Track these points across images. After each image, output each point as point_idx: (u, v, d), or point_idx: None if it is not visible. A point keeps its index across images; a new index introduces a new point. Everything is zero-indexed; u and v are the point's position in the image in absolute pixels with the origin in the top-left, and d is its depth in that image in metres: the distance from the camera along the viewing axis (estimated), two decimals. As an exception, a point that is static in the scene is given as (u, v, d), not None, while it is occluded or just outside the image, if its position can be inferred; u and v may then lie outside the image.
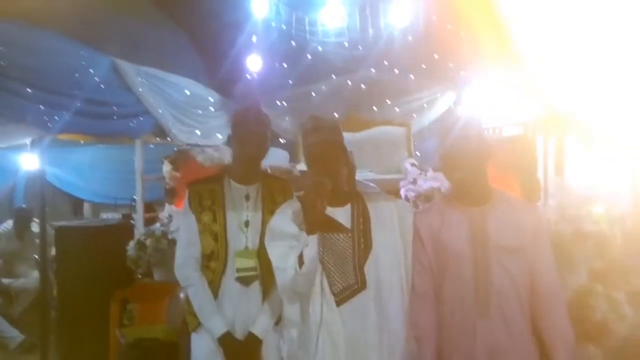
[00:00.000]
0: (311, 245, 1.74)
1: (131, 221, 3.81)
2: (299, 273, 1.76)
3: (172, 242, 3.20)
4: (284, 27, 6.48)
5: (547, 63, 4.39)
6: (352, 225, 1.85)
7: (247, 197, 2.05)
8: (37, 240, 5.17)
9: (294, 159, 6.29)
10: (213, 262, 2.00)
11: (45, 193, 5.47)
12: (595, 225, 3.02)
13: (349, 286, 1.80)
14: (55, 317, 3.89)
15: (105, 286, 3.22)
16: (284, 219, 1.87)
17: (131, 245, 3.24)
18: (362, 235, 1.84)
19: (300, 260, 1.75)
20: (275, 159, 6.49)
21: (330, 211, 1.82)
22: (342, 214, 1.86)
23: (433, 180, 3.37)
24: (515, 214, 1.71)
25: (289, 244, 1.81)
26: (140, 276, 3.39)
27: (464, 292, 1.70)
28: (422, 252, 1.78)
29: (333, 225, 1.83)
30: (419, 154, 6.16)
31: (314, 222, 1.75)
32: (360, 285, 1.80)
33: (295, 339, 1.89)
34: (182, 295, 2.95)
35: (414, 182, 3.63)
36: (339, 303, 1.80)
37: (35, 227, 5.38)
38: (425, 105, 6.39)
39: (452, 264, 1.73)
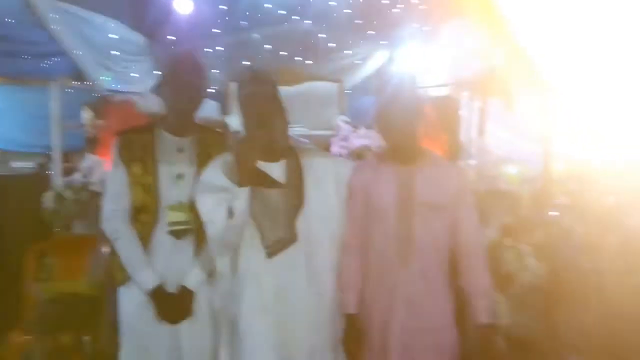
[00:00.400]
0: (242, 198, 1.74)
1: (47, 171, 3.55)
2: (229, 225, 1.76)
3: (94, 194, 3.06)
4: (216, -32, 6.16)
5: (475, 26, 4.53)
6: (286, 181, 1.86)
7: (181, 150, 1.97)
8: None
9: (225, 110, 6.13)
10: (143, 215, 1.92)
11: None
12: (508, 185, 3.25)
13: (280, 239, 1.83)
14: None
15: (19, 240, 3.03)
16: (215, 172, 1.84)
17: (48, 196, 3.05)
18: (295, 190, 1.86)
19: (230, 213, 1.75)
20: (206, 110, 6.31)
21: (265, 166, 1.82)
22: (276, 169, 1.87)
23: (365, 138, 3.44)
24: (442, 174, 1.81)
25: (219, 196, 1.79)
26: (58, 229, 3.22)
27: (387, 245, 1.79)
28: (353, 205, 1.85)
29: (266, 180, 1.83)
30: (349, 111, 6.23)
31: (246, 174, 1.74)
32: (291, 238, 1.83)
33: (226, 291, 1.91)
34: (105, 249, 2.87)
35: (346, 139, 3.68)
36: (269, 255, 1.83)
37: None
38: (358, 62, 6.41)
39: (379, 217, 1.81)
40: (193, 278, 1.99)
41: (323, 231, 1.88)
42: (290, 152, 1.91)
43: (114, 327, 2.79)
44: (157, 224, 1.94)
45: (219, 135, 2.17)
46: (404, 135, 1.77)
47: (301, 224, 1.84)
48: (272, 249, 1.83)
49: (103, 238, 2.99)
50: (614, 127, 4.20)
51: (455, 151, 3.54)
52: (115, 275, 2.01)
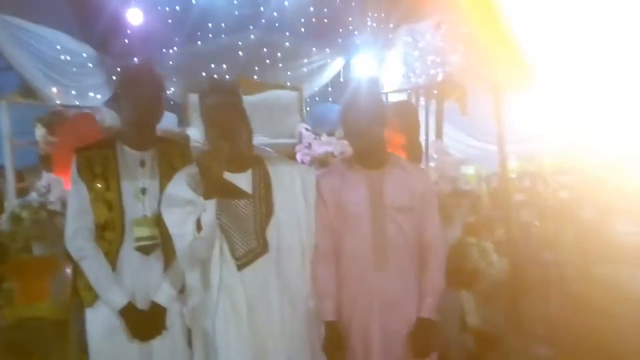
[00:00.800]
0: (209, 210, 1.69)
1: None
2: (197, 238, 1.72)
3: (53, 214, 2.94)
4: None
5: (430, 33, 4.68)
6: (254, 191, 1.85)
7: (143, 164, 1.91)
8: None
9: (182, 122, 6.04)
10: (108, 232, 1.88)
11: None
12: (468, 185, 3.36)
13: (250, 250, 1.79)
14: None
15: (-27, 265, 2.88)
16: (180, 185, 1.77)
17: (3, 218, 2.90)
18: (263, 200, 1.82)
19: (198, 226, 1.72)
20: (163, 122, 6.18)
21: (231, 177, 1.80)
22: (243, 180, 1.84)
23: (327, 145, 3.48)
24: (408, 177, 1.84)
25: (185, 209, 1.75)
26: (15, 252, 3.07)
27: (362, 249, 1.81)
28: (324, 213, 1.86)
29: (233, 191, 1.81)
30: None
31: (212, 186, 1.70)
32: (262, 249, 1.79)
33: (197, 305, 1.88)
34: (67, 269, 2.77)
35: (309, 146, 3.71)
36: (240, 267, 1.80)
37: None
38: (315, 69, 6.49)
39: (352, 223, 1.83)
40: (163, 294, 1.94)
41: (293, 240, 1.87)
42: (255, 162, 1.90)
43: (81, 350, 2.70)
44: (123, 241, 1.88)
45: (180, 146, 2.11)
46: (370, 139, 1.79)
47: (271, 233, 1.84)
48: (243, 261, 1.80)
49: (65, 258, 2.89)
50: (566, 124, 4.43)
51: (415, 154, 3.62)
52: (82, 295, 1.92)
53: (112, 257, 1.88)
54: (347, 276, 1.84)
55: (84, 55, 5.62)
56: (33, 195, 2.96)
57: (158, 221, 1.88)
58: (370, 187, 1.82)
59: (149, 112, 1.90)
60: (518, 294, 3.79)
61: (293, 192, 1.88)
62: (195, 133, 5.43)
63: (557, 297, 3.87)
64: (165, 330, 1.93)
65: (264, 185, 1.86)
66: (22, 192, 3.38)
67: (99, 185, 1.86)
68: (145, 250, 1.90)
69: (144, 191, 1.91)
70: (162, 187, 1.89)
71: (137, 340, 1.89)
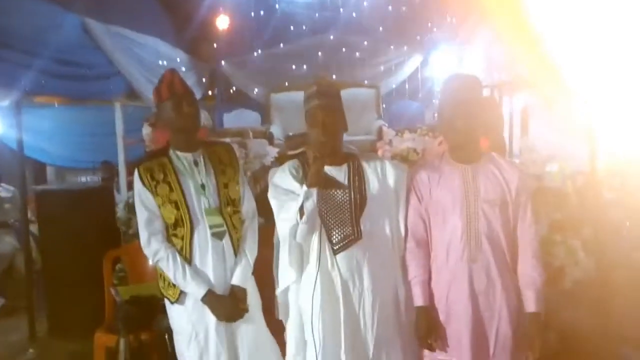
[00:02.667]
0: (311, 198, 1.85)
1: (113, 184, 3.80)
2: (301, 223, 1.90)
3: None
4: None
5: (514, 28, 4.59)
6: (349, 183, 1.99)
7: (196, 163, 2.12)
8: (6, 205, 5.08)
9: (265, 120, 6.35)
10: (179, 229, 2.07)
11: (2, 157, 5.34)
12: (554, 182, 3.31)
13: (346, 236, 1.93)
14: (38, 280, 3.92)
15: (91, 248, 3.25)
16: (285, 175, 1.99)
17: (120, 207, 3.27)
18: (357, 191, 1.97)
19: (301, 212, 1.87)
20: (247, 120, 6.53)
21: (329, 170, 1.97)
22: (340, 173, 1.98)
23: (409, 141, 3.56)
24: (502, 172, 1.89)
25: (289, 197, 1.94)
26: (128, 237, 3.45)
27: (454, 241, 1.87)
28: (418, 204, 1.95)
29: (332, 182, 1.95)
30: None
31: (315, 177, 1.89)
32: (356, 235, 1.93)
33: (291, 288, 2.06)
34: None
35: (390, 143, 3.81)
36: (336, 252, 1.95)
37: (1, 192, 5.26)
38: (393, 67, 6.55)
39: (445, 216, 1.90)
40: (240, 275, 2.13)
41: (384, 229, 2.00)
42: (351, 157, 2.07)
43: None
44: (194, 234, 2.07)
45: (223, 144, 2.35)
46: (467, 134, 1.85)
47: (364, 222, 1.97)
48: (339, 246, 1.96)
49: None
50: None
51: (499, 150, 3.60)
52: (167, 294, 2.14)
53: (186, 250, 2.08)
54: (440, 265, 1.93)
55: (178, 59, 6.06)
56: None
57: (222, 211, 2.11)
58: (464, 180, 1.90)
59: (193, 117, 2.07)
60: (606, 295, 3.67)
61: (385, 186, 2.02)
62: (277, 130, 5.71)
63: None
64: (247, 311, 2.12)
65: (358, 179, 2.02)
66: (131, 185, 3.78)
67: (163, 189, 2.06)
68: (219, 236, 2.11)
69: (203, 186, 2.11)
70: (217, 180, 2.13)
71: (222, 325, 2.08)
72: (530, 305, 1.88)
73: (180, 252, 2.07)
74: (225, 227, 2.11)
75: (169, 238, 2.09)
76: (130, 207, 3.26)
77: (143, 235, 2.09)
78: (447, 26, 6.02)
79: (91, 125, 5.59)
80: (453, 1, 6.03)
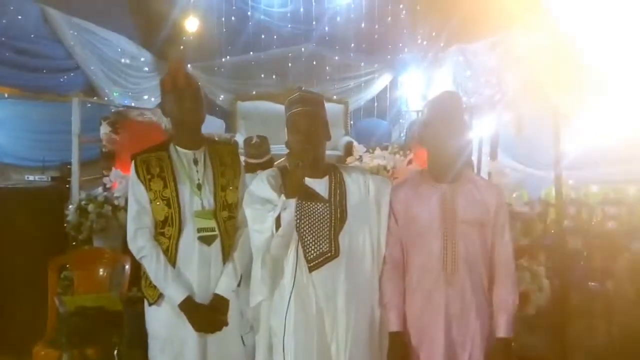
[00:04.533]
0: (289, 209, 1.74)
1: (65, 185, 3.54)
2: (276, 235, 1.78)
3: (116, 208, 3.06)
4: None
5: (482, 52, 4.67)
6: (329, 196, 1.89)
7: (196, 162, 2.02)
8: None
9: (229, 128, 6.19)
10: (168, 228, 1.95)
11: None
12: (523, 207, 3.33)
13: (322, 253, 1.83)
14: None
15: (38, 252, 2.98)
16: (263, 183, 1.87)
17: (71, 210, 3.04)
18: (338, 206, 1.86)
19: (277, 224, 1.78)
20: (211, 127, 6.34)
21: (310, 182, 1.86)
22: (320, 185, 1.87)
23: (380, 159, 3.51)
24: (481, 192, 1.84)
25: (266, 207, 1.82)
26: (74, 242, 3.20)
27: (431, 262, 1.81)
28: (394, 225, 1.87)
29: (312, 195, 1.87)
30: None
31: (294, 186, 1.78)
32: (334, 253, 1.83)
33: (264, 303, 1.93)
34: (126, 264, 2.86)
35: (360, 159, 3.76)
36: (312, 269, 1.83)
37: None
38: (362, 84, 6.56)
39: (422, 236, 1.83)
40: (225, 285, 1.99)
41: (363, 247, 1.90)
42: (332, 168, 1.97)
43: (130, 343, 2.78)
44: (182, 235, 1.95)
45: (227, 145, 2.27)
46: (451, 154, 1.80)
47: (343, 239, 1.88)
48: (315, 263, 1.85)
49: (124, 252, 2.99)
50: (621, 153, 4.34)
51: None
52: (147, 294, 2.00)
53: (172, 252, 1.95)
54: (415, 288, 1.86)
55: (142, 59, 5.84)
56: (99, 190, 3.09)
57: (215, 214, 1.97)
58: (442, 200, 1.84)
59: (193, 112, 2.00)
60: (564, 322, 3.71)
61: (366, 201, 1.93)
62: (242, 140, 5.58)
63: (603, 327, 3.76)
64: (227, 324, 1.97)
65: (339, 192, 1.91)
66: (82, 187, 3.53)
67: (157, 184, 1.95)
68: (206, 241, 1.97)
69: (199, 187, 1.99)
70: (215, 182, 2.01)
71: (197, 335, 1.92)
72: (501, 330, 1.81)
73: (165, 252, 1.94)
74: (217, 232, 1.97)
75: (156, 236, 1.96)
76: (82, 211, 3.03)
77: (130, 229, 1.98)
78: (418, 47, 6.08)
79: (43, 122, 5.24)
80: (425, 23, 6.12)
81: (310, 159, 1.78)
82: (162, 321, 1.98)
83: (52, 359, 2.47)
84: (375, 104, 6.71)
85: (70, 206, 3.15)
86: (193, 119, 2.01)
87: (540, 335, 3.74)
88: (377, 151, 3.60)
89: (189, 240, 1.95)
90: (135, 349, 2.58)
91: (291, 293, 1.82)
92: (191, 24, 6.10)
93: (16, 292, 3.12)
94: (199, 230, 1.96)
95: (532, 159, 6.14)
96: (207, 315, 1.95)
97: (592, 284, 4.02)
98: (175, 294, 1.92)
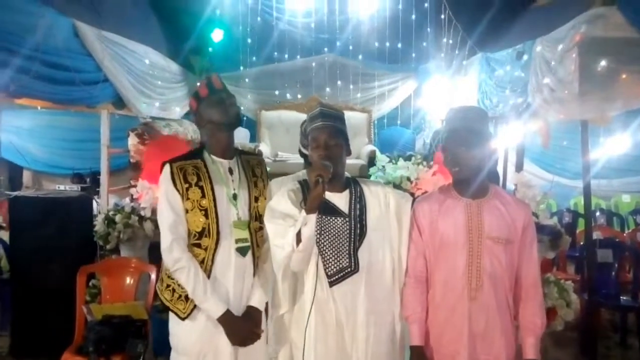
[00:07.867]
0: (309, 224, 1.74)
1: (92, 195, 3.63)
2: (296, 250, 1.78)
3: (142, 219, 3.12)
4: (249, 1, 6.38)
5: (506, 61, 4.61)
6: (349, 211, 1.89)
7: (231, 171, 1.99)
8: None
9: (254, 137, 6.24)
10: (205, 239, 1.92)
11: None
12: (550, 220, 3.26)
13: (342, 269, 1.83)
14: (3, 291, 3.69)
15: (68, 261, 3.08)
16: (284, 198, 1.87)
17: (99, 219, 3.11)
18: (358, 220, 1.87)
19: (298, 239, 1.79)
20: (237, 136, 6.40)
21: (330, 196, 1.84)
22: (340, 199, 1.88)
23: (403, 169, 3.49)
24: (508, 209, 1.82)
25: (287, 222, 1.82)
26: (104, 252, 3.27)
27: (456, 277, 1.80)
28: (418, 238, 1.87)
29: (332, 209, 1.85)
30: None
31: (315, 202, 1.77)
32: (353, 268, 1.83)
33: (284, 317, 1.93)
34: (152, 275, 2.91)
35: (383, 169, 3.73)
36: (332, 284, 1.84)
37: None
38: (386, 93, 6.54)
39: (447, 251, 1.80)
40: (259, 298, 1.99)
41: (383, 262, 1.90)
42: (352, 183, 1.97)
43: (156, 353, 2.82)
44: (219, 246, 1.93)
45: (256, 156, 2.22)
46: (474, 167, 1.78)
47: (363, 254, 1.87)
48: (335, 278, 1.85)
49: (150, 262, 3.04)
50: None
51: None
52: (177, 308, 1.95)
53: (207, 263, 1.93)
54: (439, 303, 1.84)
55: (169, 70, 5.95)
56: (126, 200, 3.15)
57: (249, 225, 1.98)
58: (468, 216, 1.82)
59: (235, 109, 2.00)
60: (594, 338, 3.61)
61: (386, 216, 1.93)
62: (266, 149, 5.62)
63: (636, 344, 3.64)
64: (260, 337, 1.98)
65: (359, 206, 1.91)
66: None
67: (194, 193, 1.92)
68: (242, 252, 1.97)
69: (235, 197, 1.98)
70: (249, 192, 2.01)
71: (231, 348, 1.93)
72: (529, 352, 1.79)
73: (201, 264, 1.92)
74: (249, 243, 1.97)
75: (189, 246, 1.93)
76: (110, 221, 3.10)
77: (166, 239, 1.92)
78: (442, 56, 6.04)
79: (73, 131, 5.40)
80: (449, 31, 6.07)
81: (330, 175, 1.78)
82: (196, 335, 1.95)
83: (80, 367, 2.52)
84: (399, 113, 6.67)
85: (98, 216, 3.22)
86: (233, 119, 1.98)
87: (569, 350, 3.65)
88: (401, 162, 3.57)
89: (226, 252, 1.94)
90: (160, 357, 2.62)
91: (311, 307, 1.83)
92: (217, 35, 6.20)
93: (46, 299, 3.23)
94: (237, 241, 1.95)
95: (559, 168, 6.03)
96: (244, 328, 1.95)
97: (624, 298, 3.92)
98: (214, 308, 1.91)
